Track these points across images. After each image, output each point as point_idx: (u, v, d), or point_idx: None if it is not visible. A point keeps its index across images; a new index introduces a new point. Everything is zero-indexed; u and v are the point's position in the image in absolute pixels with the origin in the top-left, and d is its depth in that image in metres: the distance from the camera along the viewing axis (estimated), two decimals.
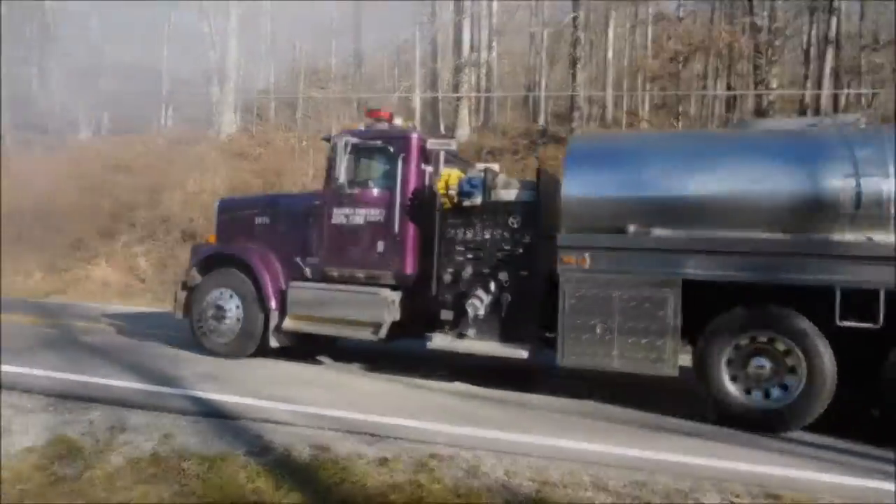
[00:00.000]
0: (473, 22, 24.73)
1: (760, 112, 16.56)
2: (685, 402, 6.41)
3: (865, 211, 5.55)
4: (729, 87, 22.00)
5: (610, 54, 24.93)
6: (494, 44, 26.26)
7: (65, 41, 33.45)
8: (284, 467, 4.30)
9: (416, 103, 25.25)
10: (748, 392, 5.89)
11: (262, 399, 5.91)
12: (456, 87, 23.37)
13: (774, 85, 17.42)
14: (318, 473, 4.23)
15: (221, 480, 4.08)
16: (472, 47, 23.97)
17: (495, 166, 7.48)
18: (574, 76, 20.00)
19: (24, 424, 4.95)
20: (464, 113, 22.62)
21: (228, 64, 26.13)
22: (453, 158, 7.92)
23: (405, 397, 6.50)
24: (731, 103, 21.02)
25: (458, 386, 7.05)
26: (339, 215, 7.71)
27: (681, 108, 21.22)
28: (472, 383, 7.09)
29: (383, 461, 4.44)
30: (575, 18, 20.21)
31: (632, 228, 6.13)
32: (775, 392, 5.80)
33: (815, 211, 5.69)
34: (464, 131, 21.92)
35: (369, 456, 4.52)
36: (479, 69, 25.13)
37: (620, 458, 4.78)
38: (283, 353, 8.11)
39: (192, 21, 29.50)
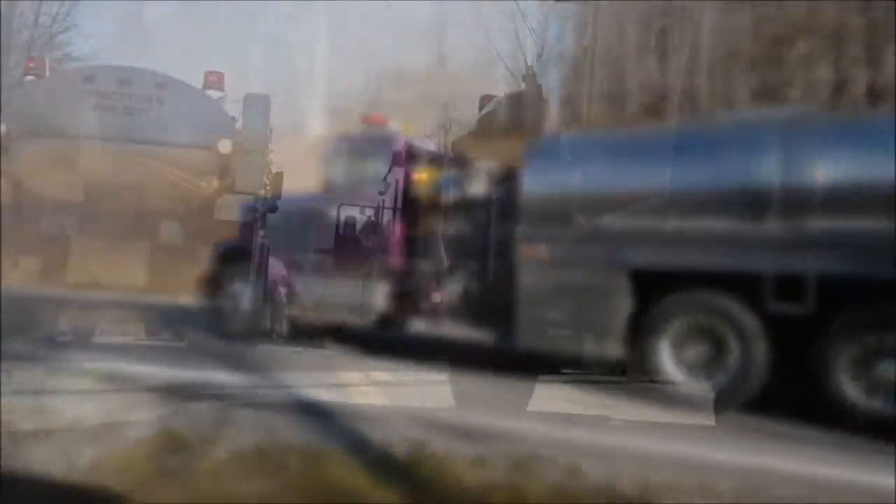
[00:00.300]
0: (557, 15, 24.34)
1: (875, 95, 15.48)
2: (790, 405, 6.06)
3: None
4: (837, 71, 20.71)
5: (703, 41, 23.95)
6: (580, 37, 25.75)
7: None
8: (382, 464, 4.31)
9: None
10: (690, 377, 6.13)
11: (359, 397, 6.00)
12: (541, 83, 23.06)
13: (892, 66, 16.23)
14: (416, 471, 4.22)
15: (322, 476, 4.13)
16: (556, 41, 23.60)
17: (490, 166, 7.93)
18: (665, 66, 19.34)
19: (135, 418, 5.18)
20: (550, 108, 22.28)
21: (316, 67, 26.76)
22: (448, 159, 8.70)
23: (498, 396, 6.46)
24: (840, 88, 19.77)
25: (552, 389, 6.89)
26: (333, 214, 8.53)
27: (784, 95, 20.13)
28: (553, 382, 6.99)
29: (481, 460, 4.38)
30: (665, 7, 19.54)
31: (582, 220, 6.42)
32: (712, 375, 6.02)
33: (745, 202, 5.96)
34: (550, 127, 21.60)
35: (466, 454, 4.47)
36: (565, 63, 24.71)
37: (726, 463, 4.55)
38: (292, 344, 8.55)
39: (279, 25, 30.38)
